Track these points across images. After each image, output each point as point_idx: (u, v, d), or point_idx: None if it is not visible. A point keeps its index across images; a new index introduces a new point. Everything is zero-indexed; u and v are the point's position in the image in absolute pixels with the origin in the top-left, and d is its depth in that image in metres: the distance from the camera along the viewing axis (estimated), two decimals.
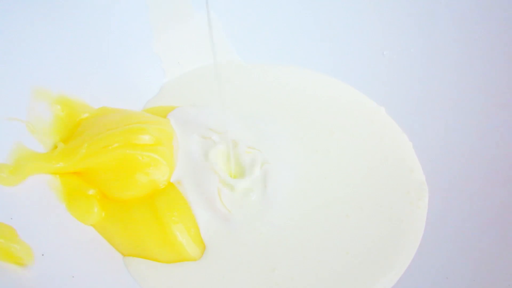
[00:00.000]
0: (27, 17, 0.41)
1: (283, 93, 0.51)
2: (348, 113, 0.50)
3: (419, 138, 0.47)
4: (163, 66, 0.52)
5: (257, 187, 0.43)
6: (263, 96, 0.51)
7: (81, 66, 0.46)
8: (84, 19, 0.46)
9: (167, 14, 0.52)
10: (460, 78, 0.48)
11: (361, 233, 0.41)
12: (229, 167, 0.44)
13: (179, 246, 0.39)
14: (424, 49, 0.50)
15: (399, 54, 0.51)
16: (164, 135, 0.43)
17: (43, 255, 0.34)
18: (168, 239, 0.39)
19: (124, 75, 0.50)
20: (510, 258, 0.38)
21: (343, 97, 0.51)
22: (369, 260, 0.40)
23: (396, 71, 0.51)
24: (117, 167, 0.40)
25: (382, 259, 0.40)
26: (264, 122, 0.48)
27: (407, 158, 0.46)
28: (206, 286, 0.39)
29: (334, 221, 0.42)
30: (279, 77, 0.53)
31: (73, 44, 0.45)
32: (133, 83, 0.50)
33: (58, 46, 0.44)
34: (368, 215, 0.42)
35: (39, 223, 0.36)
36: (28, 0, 0.41)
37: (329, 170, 0.45)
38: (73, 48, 0.45)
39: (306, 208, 0.43)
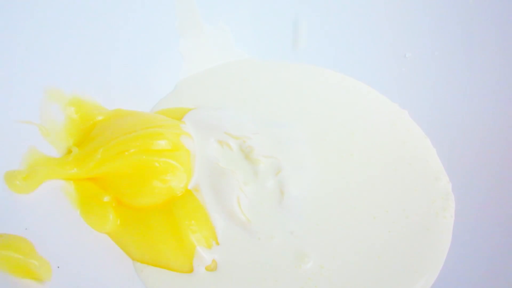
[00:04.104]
0: (40, 17, 0.39)
1: (302, 94, 0.50)
2: (370, 116, 0.48)
3: (443, 144, 0.46)
4: (183, 65, 0.51)
5: (274, 195, 0.42)
6: (281, 96, 0.50)
7: (93, 64, 0.44)
8: (97, 18, 0.44)
9: (192, 14, 0.50)
10: (487, 83, 0.46)
11: (389, 237, 0.40)
12: (245, 174, 0.43)
13: None
14: (449, 52, 0.48)
15: (422, 57, 0.50)
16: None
17: (58, 267, 0.33)
18: (186, 248, 0.38)
19: (137, 73, 0.48)
20: None
21: (364, 99, 0.49)
22: (399, 267, 0.38)
23: (419, 73, 0.49)
24: (133, 173, 0.39)
25: (412, 266, 0.38)
26: (282, 125, 0.47)
27: (432, 165, 0.44)
28: None
29: (361, 222, 0.40)
30: (298, 77, 0.51)
31: (84, 41, 0.43)
32: (146, 81, 0.49)
33: (70, 46, 0.42)
34: (393, 219, 0.41)
35: (54, 233, 0.35)
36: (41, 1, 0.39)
37: (352, 173, 0.44)
38: (83, 45, 0.43)
39: (330, 213, 0.41)
